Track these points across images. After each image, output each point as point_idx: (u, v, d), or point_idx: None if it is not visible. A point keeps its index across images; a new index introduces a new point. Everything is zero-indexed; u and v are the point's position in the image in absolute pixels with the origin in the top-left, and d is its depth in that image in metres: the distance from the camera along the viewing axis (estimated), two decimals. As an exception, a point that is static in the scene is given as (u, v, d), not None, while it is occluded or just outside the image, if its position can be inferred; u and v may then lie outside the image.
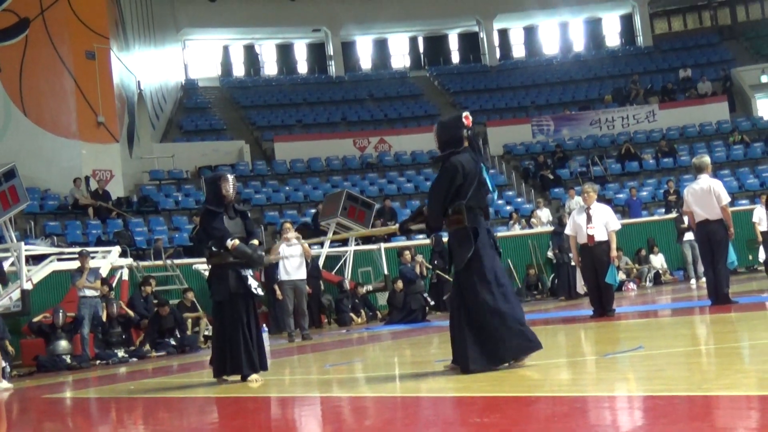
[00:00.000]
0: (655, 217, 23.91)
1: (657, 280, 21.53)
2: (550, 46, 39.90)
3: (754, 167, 27.25)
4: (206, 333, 16.61)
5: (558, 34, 39.79)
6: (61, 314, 14.48)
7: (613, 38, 40.11)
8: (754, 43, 36.74)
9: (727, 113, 30.72)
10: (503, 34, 39.56)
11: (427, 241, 20.86)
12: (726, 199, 11.43)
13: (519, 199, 26.36)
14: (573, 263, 19.15)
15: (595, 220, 11.88)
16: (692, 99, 31.79)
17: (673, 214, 22.92)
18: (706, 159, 11.89)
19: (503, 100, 34.53)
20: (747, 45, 36.82)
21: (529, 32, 39.80)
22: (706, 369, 5.74)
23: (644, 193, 25.85)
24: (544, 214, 23.18)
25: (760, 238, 16.31)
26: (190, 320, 16.52)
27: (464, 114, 6.86)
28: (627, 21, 39.47)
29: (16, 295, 15.34)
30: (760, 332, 7.83)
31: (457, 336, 6.58)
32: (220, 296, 8.07)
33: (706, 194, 11.42)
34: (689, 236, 19.28)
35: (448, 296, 16.72)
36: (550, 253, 20.77)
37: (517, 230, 22.84)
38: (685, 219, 18.95)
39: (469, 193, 6.62)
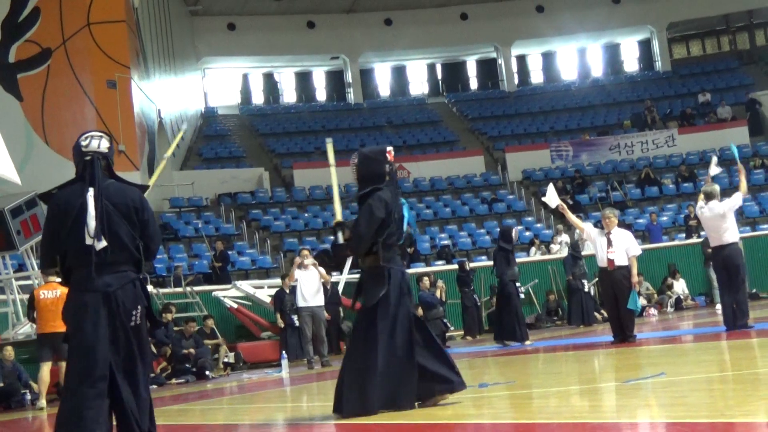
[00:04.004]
0: (676, 242, 23.76)
1: (678, 305, 21.36)
2: (568, 71, 39.88)
3: (775, 191, 27.09)
4: (225, 360, 16.63)
5: (576, 60, 39.76)
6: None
7: (631, 63, 40.05)
8: (773, 67, 36.61)
9: (747, 138, 30.53)
10: (521, 60, 39.60)
11: (454, 266, 20.75)
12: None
13: (538, 225, 26.30)
14: (587, 290, 19.14)
15: (616, 245, 11.83)
16: (712, 124, 31.66)
17: (695, 239, 22.87)
18: (716, 187, 11.98)
19: (522, 125, 34.51)
20: (766, 69, 36.68)
21: (547, 58, 39.81)
22: (728, 395, 5.68)
23: (664, 218, 25.72)
24: (564, 238, 23.11)
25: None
26: (210, 347, 16.53)
27: (387, 148, 6.68)
28: (645, 46, 39.42)
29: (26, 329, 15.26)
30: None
31: (340, 375, 6.40)
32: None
33: (719, 219, 11.52)
34: None
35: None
36: (568, 278, 20.61)
37: (537, 256, 22.78)
38: None
39: (387, 231, 6.40)
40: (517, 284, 14.95)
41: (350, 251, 6.68)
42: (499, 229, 18.00)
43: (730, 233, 11.52)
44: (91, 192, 5.12)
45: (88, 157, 5.25)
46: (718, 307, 19.25)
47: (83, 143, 5.28)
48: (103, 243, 5.02)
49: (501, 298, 14.89)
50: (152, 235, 5.26)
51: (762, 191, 27.23)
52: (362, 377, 6.18)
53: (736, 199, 11.61)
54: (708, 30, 39.86)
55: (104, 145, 5.34)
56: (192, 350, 15.38)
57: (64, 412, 4.96)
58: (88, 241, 5.02)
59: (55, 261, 5.22)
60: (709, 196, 11.78)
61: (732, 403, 5.28)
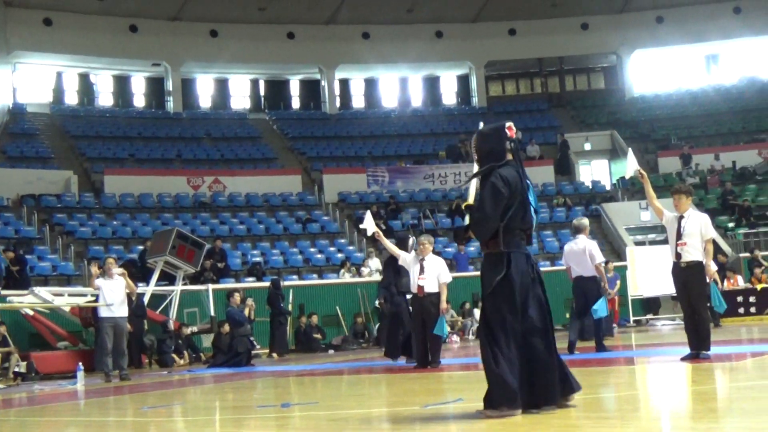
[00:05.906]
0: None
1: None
2: (389, 99, 40.70)
3: (574, 229, 28.51)
4: (16, 369, 15.76)
5: (397, 89, 40.67)
6: None
7: (450, 97, 41.36)
8: (579, 112, 38.76)
9: (552, 176, 32.16)
10: (344, 83, 40.07)
11: (265, 283, 20.55)
12: (600, 258, 12.44)
13: (351, 248, 26.56)
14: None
15: (428, 272, 12.09)
16: (522, 161, 33.02)
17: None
18: (585, 221, 12.70)
19: (341, 148, 34.86)
20: (573, 113, 38.78)
21: (370, 84, 40.50)
22: (518, 422, 5.89)
23: (471, 249, 26.55)
24: (375, 263, 23.43)
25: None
26: (-1, 355, 15.64)
27: (507, 124, 6.35)
28: (464, 81, 40.80)
29: None
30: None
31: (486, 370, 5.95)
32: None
33: (581, 253, 12.35)
34: None
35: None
36: (377, 303, 20.88)
37: (347, 278, 22.98)
38: None
39: (510, 213, 5.99)
40: (408, 296, 13.62)
41: (474, 235, 6.08)
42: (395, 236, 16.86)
43: (590, 268, 12.34)
44: None
45: None
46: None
47: None
48: None
49: (390, 312, 14.50)
50: None
51: (562, 228, 28.61)
52: (491, 371, 5.82)
53: (597, 251, 12.40)
54: (523, 72, 41.83)
55: None
56: None
57: None
58: None
59: None
60: (576, 230, 12.52)
61: (522, 429, 5.48)
